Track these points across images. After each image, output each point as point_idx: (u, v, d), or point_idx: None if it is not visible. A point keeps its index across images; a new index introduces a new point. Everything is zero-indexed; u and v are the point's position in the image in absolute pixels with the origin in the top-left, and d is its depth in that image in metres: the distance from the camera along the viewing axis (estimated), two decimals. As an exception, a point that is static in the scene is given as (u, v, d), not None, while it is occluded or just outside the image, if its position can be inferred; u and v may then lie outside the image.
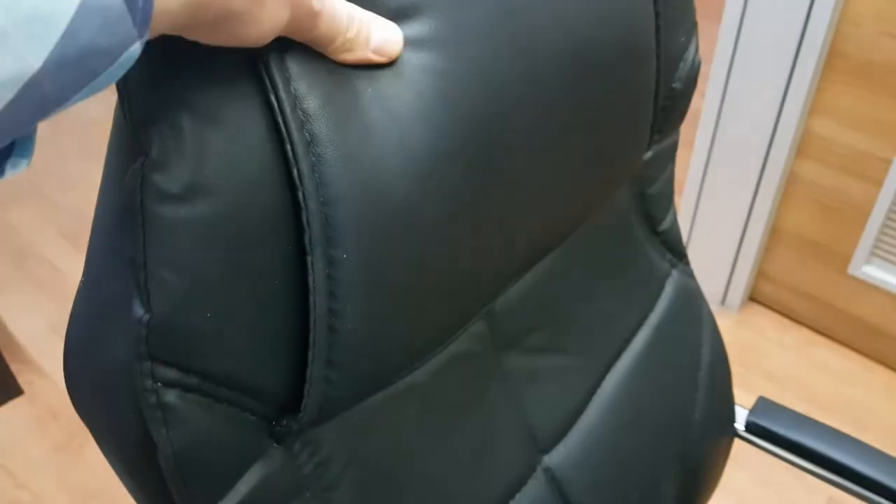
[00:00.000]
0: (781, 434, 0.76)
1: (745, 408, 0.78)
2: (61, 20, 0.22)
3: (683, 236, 1.68)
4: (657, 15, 0.52)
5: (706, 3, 2.78)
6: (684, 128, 2.00)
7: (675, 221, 0.68)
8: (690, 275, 0.71)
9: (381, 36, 0.37)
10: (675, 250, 0.69)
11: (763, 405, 0.78)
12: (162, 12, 0.26)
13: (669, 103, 0.57)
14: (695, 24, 0.57)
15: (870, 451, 0.73)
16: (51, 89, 0.23)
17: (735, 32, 1.42)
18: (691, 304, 0.71)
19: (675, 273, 0.70)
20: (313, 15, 0.33)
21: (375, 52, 0.37)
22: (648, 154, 0.60)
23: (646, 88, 0.54)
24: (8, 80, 0.21)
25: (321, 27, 0.34)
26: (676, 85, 0.57)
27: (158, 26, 0.26)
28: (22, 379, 1.54)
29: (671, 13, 0.53)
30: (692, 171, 1.62)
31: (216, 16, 0.29)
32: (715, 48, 1.46)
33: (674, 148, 0.63)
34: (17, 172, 0.26)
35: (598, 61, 0.48)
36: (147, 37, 0.26)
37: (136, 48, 0.25)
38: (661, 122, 0.58)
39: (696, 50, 0.58)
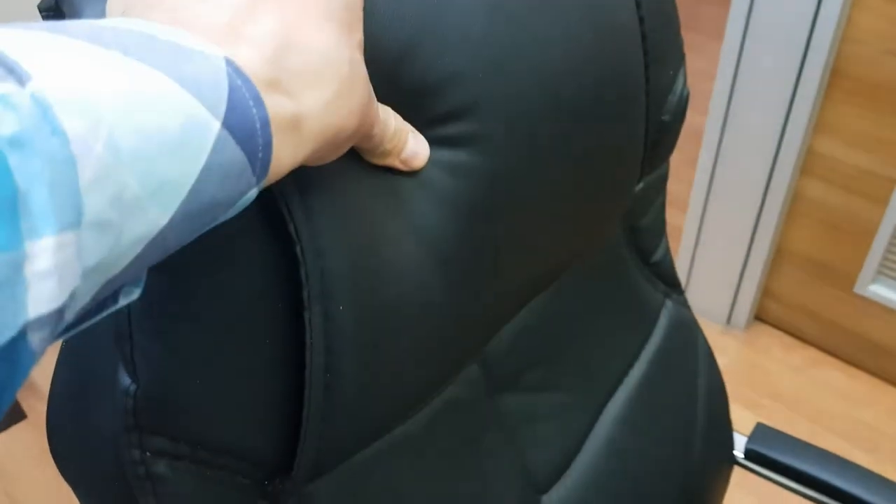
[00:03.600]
0: (780, 460, 0.75)
1: (743, 434, 0.77)
2: (187, 181, 0.23)
3: (688, 256, 1.68)
4: (645, 53, 0.52)
5: (708, 21, 2.78)
6: (688, 146, 2.00)
7: (667, 251, 0.67)
8: (685, 304, 0.71)
9: (412, 149, 0.39)
10: (669, 281, 0.68)
11: (762, 431, 0.77)
12: (278, 158, 0.27)
13: (659, 136, 0.57)
14: (682, 57, 0.57)
15: (869, 476, 0.72)
16: (173, 238, 0.24)
17: (737, 50, 1.41)
18: (686, 333, 0.71)
19: (669, 303, 0.69)
20: (371, 136, 0.35)
21: (403, 161, 0.39)
22: (639, 187, 0.59)
23: (636, 125, 0.53)
24: (139, 239, 0.23)
25: (373, 141, 0.36)
26: (666, 118, 0.56)
27: (275, 171, 0.27)
28: (25, 403, 1.55)
29: (659, 50, 0.53)
30: (696, 189, 1.61)
31: (325, 151, 0.31)
32: (715, 64, 1.45)
33: (664, 178, 0.63)
34: (130, 301, 0.26)
35: (587, 103, 0.47)
36: (264, 182, 0.27)
37: (253, 193, 0.27)
38: (652, 156, 0.58)
39: (685, 82, 0.57)
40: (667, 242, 0.67)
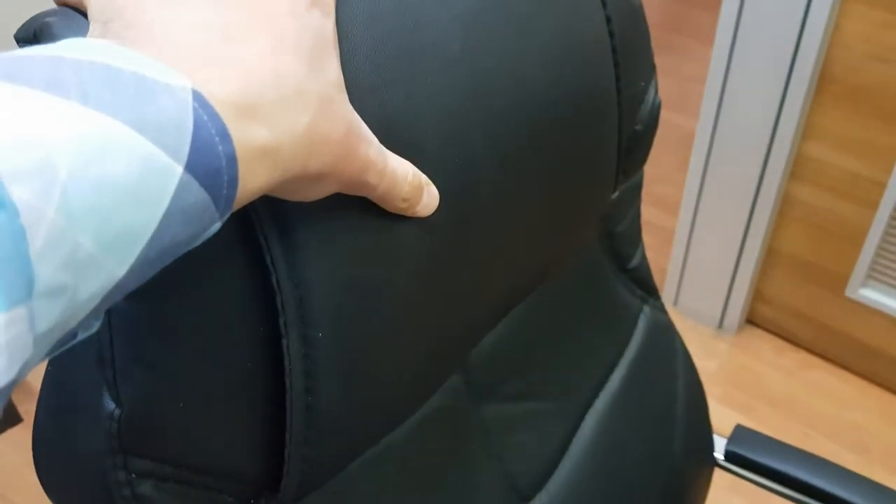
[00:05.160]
0: (760, 461, 0.76)
1: (723, 436, 0.78)
2: (147, 230, 0.23)
3: (679, 259, 1.69)
4: (616, 65, 0.52)
5: (698, 26, 2.79)
6: (679, 150, 1.99)
7: (643, 257, 0.68)
8: (662, 309, 0.72)
9: (425, 202, 0.39)
10: (646, 286, 0.69)
11: (741, 433, 0.78)
12: (243, 193, 0.26)
13: (633, 145, 0.58)
14: (653, 67, 0.58)
15: (847, 475, 0.73)
16: (132, 283, 0.24)
17: (727, 55, 1.42)
18: (664, 338, 0.72)
19: (646, 309, 0.70)
20: (370, 188, 0.35)
21: (415, 213, 0.39)
22: (614, 195, 0.60)
23: (609, 136, 0.54)
24: (95, 294, 0.22)
25: (377, 192, 0.36)
26: (638, 127, 0.57)
27: (243, 198, 0.27)
28: (22, 408, 1.55)
29: (630, 62, 0.53)
30: (687, 193, 1.62)
31: (297, 184, 0.30)
32: (705, 67, 1.46)
33: (639, 186, 0.64)
34: (89, 334, 0.26)
35: (561, 117, 0.48)
36: (231, 210, 0.26)
37: (216, 226, 0.26)
38: (626, 164, 0.59)
39: (656, 91, 0.58)
40: (643, 249, 0.68)
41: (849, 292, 1.52)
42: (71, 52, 0.23)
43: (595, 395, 0.66)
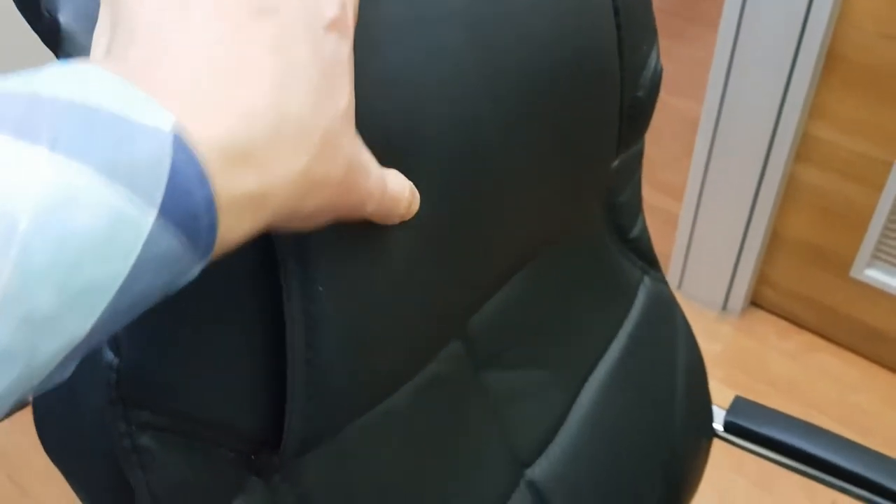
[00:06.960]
0: (759, 432, 0.76)
1: (722, 408, 0.78)
2: (115, 283, 0.21)
3: (684, 242, 1.69)
4: (619, 27, 0.52)
5: (703, 10, 2.78)
6: (684, 134, 1.98)
7: (644, 228, 0.68)
8: (662, 280, 0.72)
9: (413, 210, 0.38)
10: (647, 257, 0.69)
11: (740, 404, 0.78)
12: (232, 232, 0.25)
13: (634, 112, 0.58)
14: (655, 32, 0.57)
15: (846, 444, 0.73)
16: (98, 336, 0.23)
17: (733, 37, 1.41)
18: (664, 309, 0.72)
19: (647, 280, 0.70)
20: (362, 211, 0.34)
21: (401, 218, 0.38)
22: (615, 163, 0.60)
23: (611, 101, 0.54)
24: (56, 353, 0.21)
25: (376, 217, 0.35)
26: (640, 93, 0.57)
27: (220, 247, 0.25)
28: (28, 388, 1.56)
29: (632, 26, 0.53)
30: (692, 176, 1.61)
31: (287, 221, 0.29)
32: (713, 53, 1.45)
33: (639, 155, 0.64)
34: (64, 379, 0.24)
35: (565, 77, 0.47)
36: (211, 257, 0.25)
37: (195, 270, 0.25)
38: (627, 132, 0.59)
39: (658, 57, 0.58)
40: (643, 219, 0.68)
41: (854, 273, 1.52)
42: (51, 89, 0.22)
43: (595, 364, 0.66)
